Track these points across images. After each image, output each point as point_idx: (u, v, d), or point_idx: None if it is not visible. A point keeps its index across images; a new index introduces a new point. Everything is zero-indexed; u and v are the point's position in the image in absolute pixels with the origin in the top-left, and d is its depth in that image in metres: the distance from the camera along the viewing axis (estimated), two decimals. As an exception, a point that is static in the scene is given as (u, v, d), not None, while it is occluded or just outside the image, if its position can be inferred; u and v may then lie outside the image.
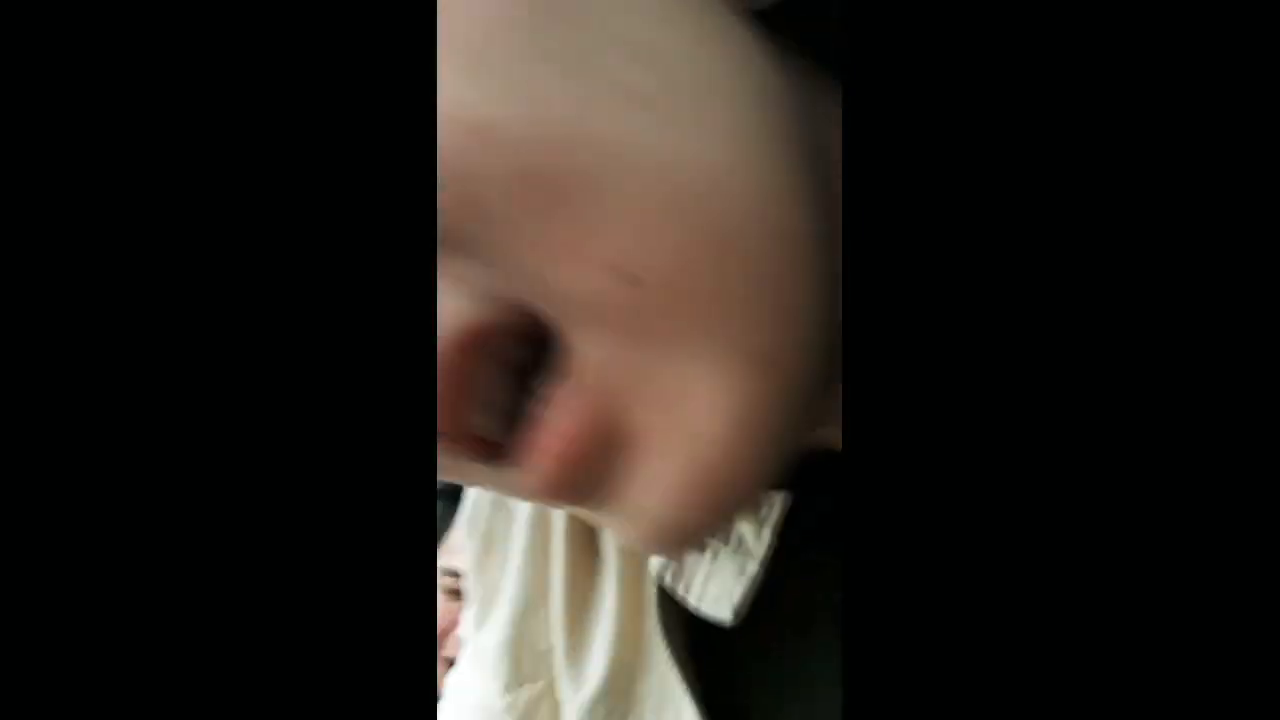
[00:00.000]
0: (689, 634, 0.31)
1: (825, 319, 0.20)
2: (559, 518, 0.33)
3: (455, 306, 0.18)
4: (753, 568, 0.27)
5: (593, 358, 0.19)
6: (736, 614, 0.27)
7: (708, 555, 0.29)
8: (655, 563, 0.30)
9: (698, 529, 0.20)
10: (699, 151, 0.18)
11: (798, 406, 0.20)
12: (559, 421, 0.19)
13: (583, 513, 0.22)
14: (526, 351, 0.19)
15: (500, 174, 0.17)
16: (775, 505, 0.27)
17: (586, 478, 0.19)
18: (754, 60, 0.20)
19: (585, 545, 0.33)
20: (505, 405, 0.20)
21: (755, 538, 0.27)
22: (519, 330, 0.19)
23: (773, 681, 0.30)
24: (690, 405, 0.18)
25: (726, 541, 0.28)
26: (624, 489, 0.19)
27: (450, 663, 0.41)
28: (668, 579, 0.30)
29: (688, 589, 0.29)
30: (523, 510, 0.35)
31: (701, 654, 0.31)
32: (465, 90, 0.17)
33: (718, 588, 0.28)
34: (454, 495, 0.37)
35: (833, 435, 0.26)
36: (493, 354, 0.19)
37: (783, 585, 0.29)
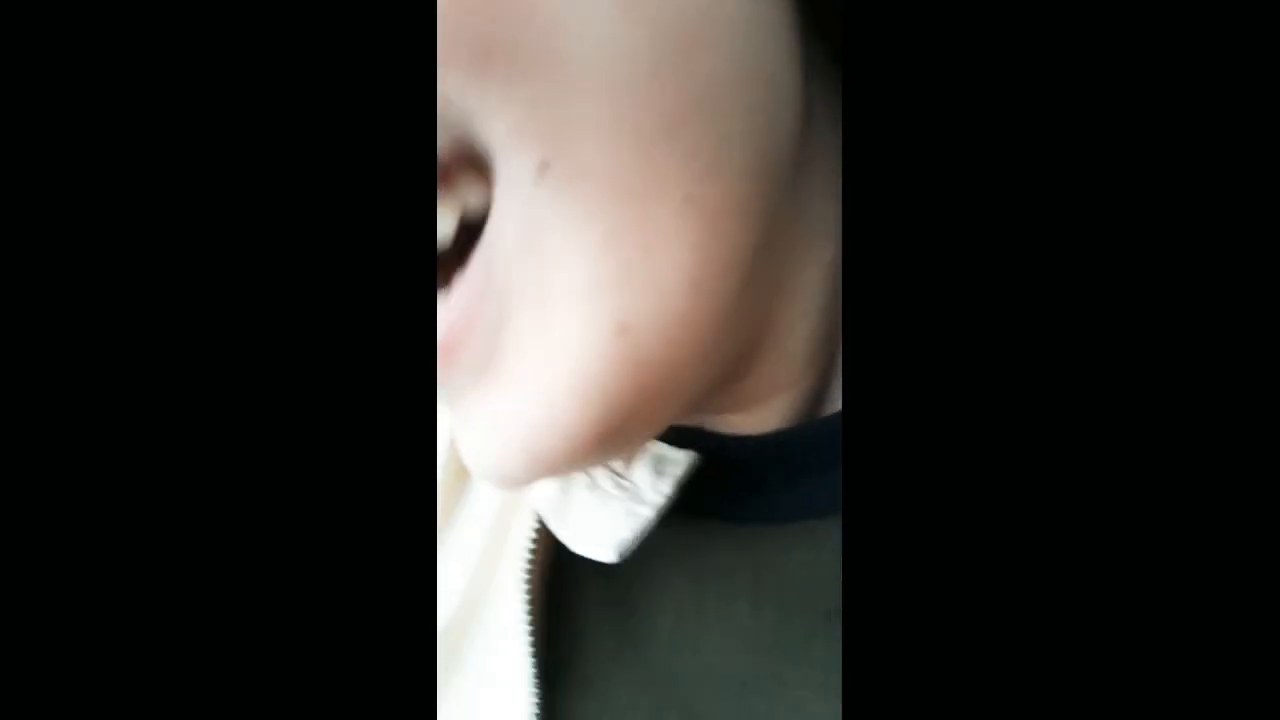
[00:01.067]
0: (553, 575, 0.30)
1: (718, 302, 0.19)
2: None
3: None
4: (645, 512, 0.26)
5: (506, 234, 0.18)
6: (620, 553, 0.26)
7: (588, 493, 0.27)
8: (535, 496, 0.28)
9: (517, 468, 0.20)
10: (643, 44, 0.17)
11: (660, 378, 0.19)
12: (454, 302, 0.19)
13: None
14: (475, 198, 0.19)
15: (465, 39, 0.16)
16: (683, 462, 0.26)
17: (460, 362, 0.19)
18: None
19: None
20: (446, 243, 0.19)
21: (651, 486, 0.26)
22: (470, 176, 0.18)
23: (618, 635, 0.29)
24: (552, 337, 0.18)
25: (617, 485, 0.27)
26: (474, 392, 0.19)
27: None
28: (544, 511, 0.28)
29: (562, 523, 0.27)
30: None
31: (557, 599, 0.30)
32: None
33: (596, 527, 0.26)
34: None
35: (742, 421, 0.26)
36: (447, 186, 0.19)
37: (664, 545, 0.28)
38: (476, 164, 0.18)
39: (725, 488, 0.27)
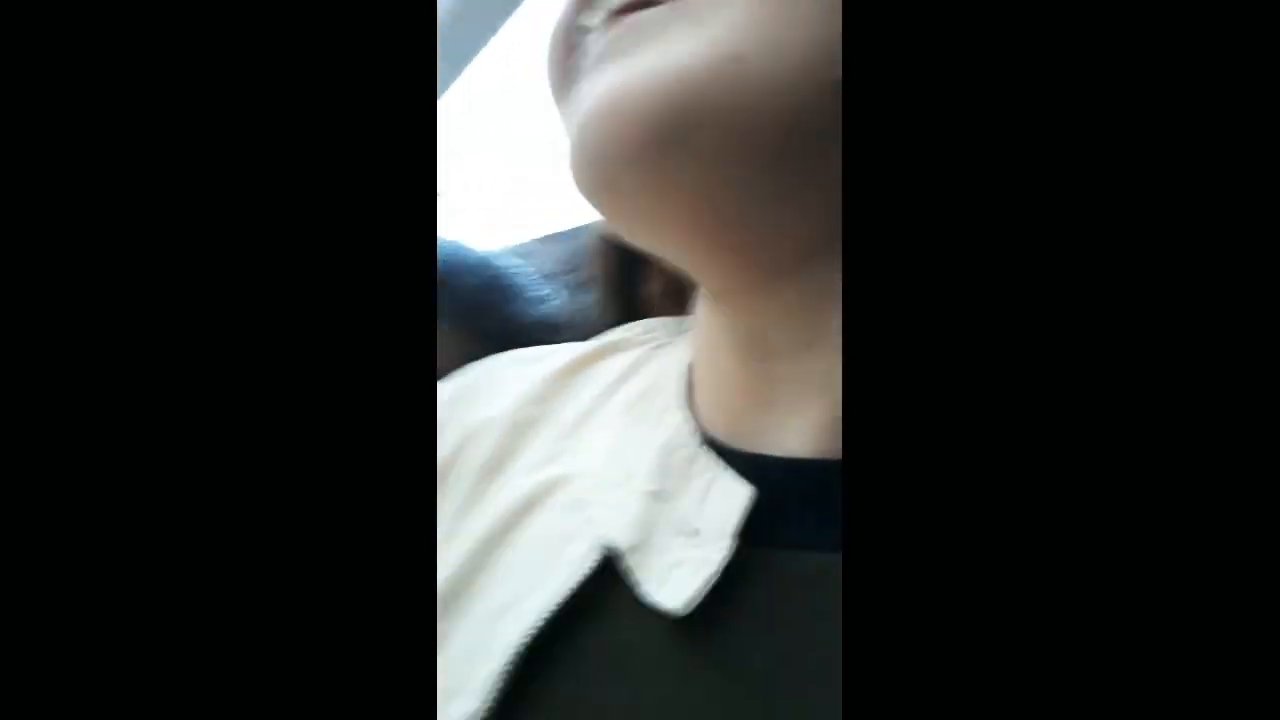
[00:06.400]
0: None
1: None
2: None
3: None
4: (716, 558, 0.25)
5: None
6: (687, 606, 0.25)
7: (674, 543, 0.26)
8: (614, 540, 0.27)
9: (612, 128, 0.25)
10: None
11: (734, 109, 0.24)
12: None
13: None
14: None
15: None
16: (742, 501, 0.26)
17: (621, 35, 0.25)
18: None
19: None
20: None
21: (714, 539, 0.26)
22: None
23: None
24: (692, 38, 0.24)
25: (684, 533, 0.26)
26: (609, 67, 0.25)
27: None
28: (628, 561, 0.27)
29: (649, 575, 0.26)
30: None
31: None
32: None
33: (679, 579, 0.25)
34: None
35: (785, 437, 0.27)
36: None
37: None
38: None
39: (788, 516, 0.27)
